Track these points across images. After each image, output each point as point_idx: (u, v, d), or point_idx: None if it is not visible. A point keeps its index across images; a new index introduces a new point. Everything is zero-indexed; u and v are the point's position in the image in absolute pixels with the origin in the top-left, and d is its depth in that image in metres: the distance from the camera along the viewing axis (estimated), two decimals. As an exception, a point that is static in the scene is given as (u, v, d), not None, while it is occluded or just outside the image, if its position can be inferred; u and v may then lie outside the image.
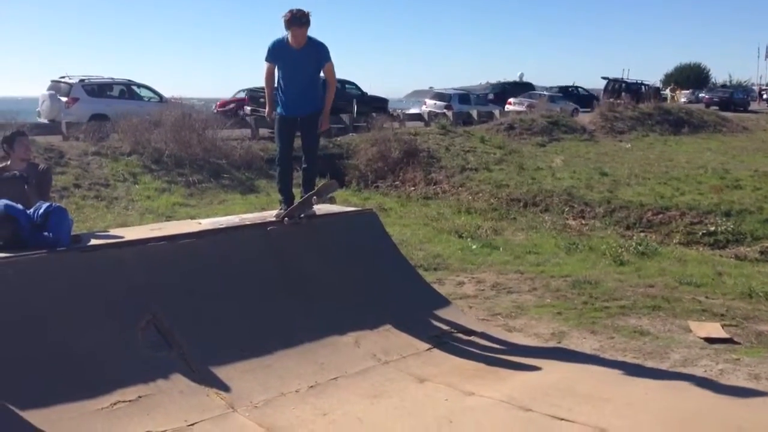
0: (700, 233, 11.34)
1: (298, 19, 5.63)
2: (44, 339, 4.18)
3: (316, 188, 6.05)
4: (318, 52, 5.86)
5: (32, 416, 3.76)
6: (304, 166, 6.18)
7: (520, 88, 35.52)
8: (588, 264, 8.63)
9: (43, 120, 17.40)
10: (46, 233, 4.71)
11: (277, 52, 5.88)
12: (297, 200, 6.10)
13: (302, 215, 5.96)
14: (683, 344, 5.58)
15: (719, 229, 11.29)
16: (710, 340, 5.64)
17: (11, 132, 5.59)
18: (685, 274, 7.95)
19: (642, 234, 11.48)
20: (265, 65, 6.00)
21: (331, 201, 6.15)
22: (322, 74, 6.05)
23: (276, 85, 6.05)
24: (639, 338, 5.75)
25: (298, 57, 5.81)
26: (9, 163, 5.39)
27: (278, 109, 6.06)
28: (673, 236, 11.40)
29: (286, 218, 5.91)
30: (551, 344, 5.63)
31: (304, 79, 5.92)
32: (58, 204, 5.12)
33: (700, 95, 43.47)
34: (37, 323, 4.21)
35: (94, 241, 5.02)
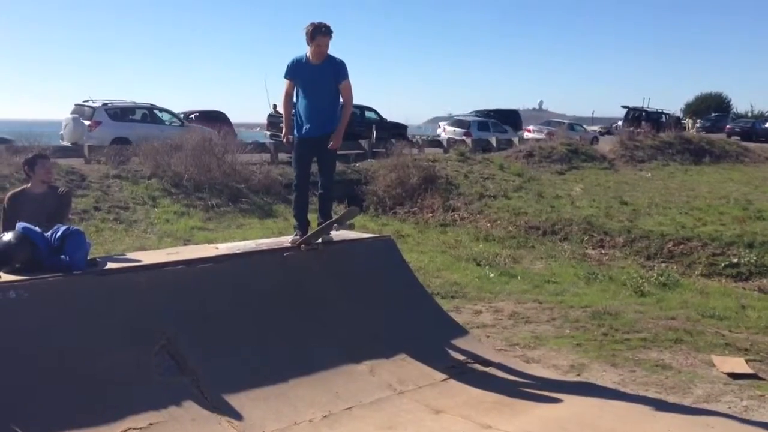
0: (723, 264, 11.14)
1: (320, 29, 5.60)
2: (57, 363, 4.16)
3: (333, 215, 6.01)
4: (336, 69, 5.80)
5: (43, 441, 3.73)
6: (320, 191, 6.12)
7: (503, 115, 33.85)
8: (608, 294, 8.50)
9: (66, 143, 17.63)
10: (63, 256, 4.72)
11: (296, 69, 5.83)
12: (312, 226, 6.06)
13: (318, 241, 5.92)
14: (706, 379, 5.44)
15: (742, 260, 11.09)
16: (734, 376, 5.50)
17: (33, 154, 5.61)
18: (708, 307, 7.80)
19: (663, 265, 11.31)
20: (284, 83, 5.94)
21: (350, 227, 6.10)
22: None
23: (293, 106, 5.98)
24: (661, 372, 5.62)
25: (317, 72, 5.75)
26: (30, 185, 5.42)
27: (295, 132, 5.99)
28: (694, 267, 11.22)
29: (302, 245, 5.87)
30: (570, 377, 5.52)
31: (323, 97, 5.86)
32: (76, 227, 5.14)
33: (712, 122, 43.43)
34: (50, 347, 4.20)
35: (110, 265, 5.02)
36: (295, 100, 5.96)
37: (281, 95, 6.07)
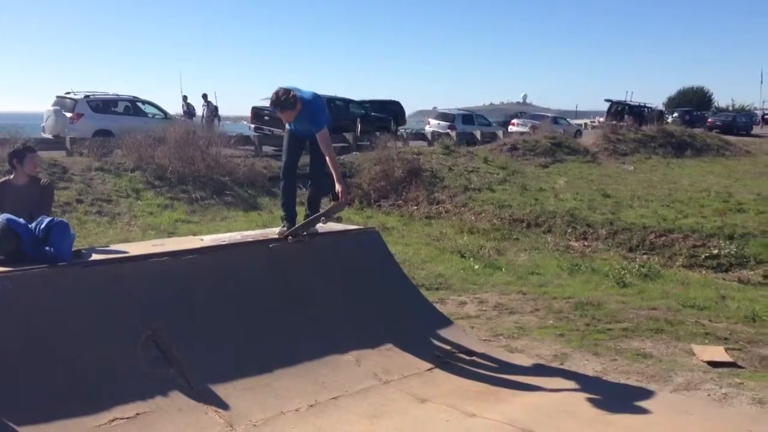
0: (703, 256, 11.28)
1: (280, 104, 5.59)
2: (43, 354, 4.15)
3: (321, 209, 6.01)
4: (309, 119, 5.71)
5: (29, 432, 3.73)
6: (310, 185, 6.16)
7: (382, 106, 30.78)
8: (591, 286, 8.59)
9: (48, 135, 17.43)
10: (47, 248, 4.69)
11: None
12: (300, 218, 6.07)
13: (305, 233, 5.94)
14: (686, 368, 5.53)
15: (722, 252, 11.24)
16: (713, 364, 5.59)
17: (22, 147, 5.56)
18: (688, 297, 7.91)
19: (645, 256, 11.44)
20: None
21: (338, 220, 6.11)
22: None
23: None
24: (642, 361, 5.70)
25: (297, 124, 5.84)
26: (12, 177, 5.39)
27: (287, 125, 6.01)
28: (676, 259, 11.35)
29: (289, 236, 5.89)
30: (553, 366, 5.58)
31: (308, 129, 5.82)
32: (60, 218, 5.11)
33: (692, 114, 43.86)
34: (36, 338, 4.19)
35: (95, 256, 5.00)
36: None
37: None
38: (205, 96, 24.89)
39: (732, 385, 5.11)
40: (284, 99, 5.58)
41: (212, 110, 24.80)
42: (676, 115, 43.59)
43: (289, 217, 6.07)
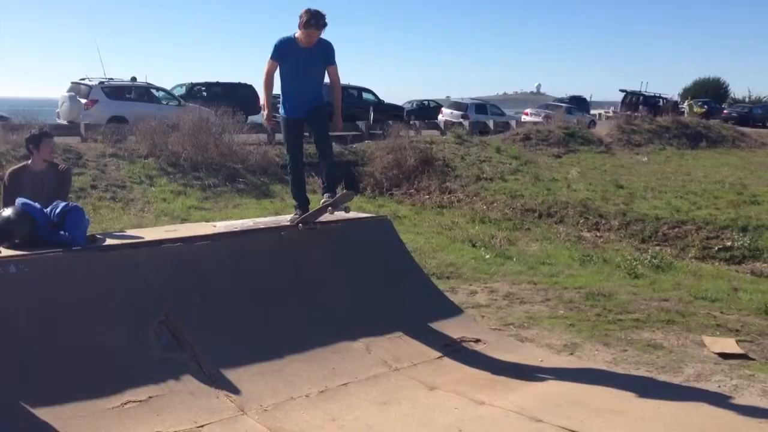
0: (716, 248, 11.23)
1: (316, 21, 5.45)
2: (58, 337, 4.22)
3: (338, 190, 5.98)
4: (325, 52, 5.69)
5: (44, 414, 3.79)
6: (323, 163, 5.99)
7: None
8: (602, 276, 8.57)
9: (63, 121, 17.58)
10: (62, 232, 4.76)
11: (284, 50, 5.64)
12: (313, 204, 6.08)
13: (316, 221, 5.96)
14: (697, 359, 5.52)
15: (735, 244, 11.18)
16: (724, 356, 5.58)
17: (39, 132, 5.60)
18: (701, 289, 7.88)
19: (657, 247, 11.40)
20: (267, 63, 5.73)
21: (346, 210, 6.12)
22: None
23: (280, 88, 5.85)
24: (652, 352, 5.70)
25: (306, 56, 5.61)
26: (30, 162, 5.45)
27: (281, 111, 5.95)
28: (688, 250, 11.30)
29: (300, 224, 5.91)
30: (564, 355, 5.59)
31: (310, 79, 5.75)
32: (75, 203, 5.16)
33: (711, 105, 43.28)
34: (51, 321, 4.25)
35: (109, 241, 5.06)
36: (281, 83, 5.81)
37: (262, 74, 5.80)
38: (133, 80, 20.87)
39: (743, 377, 5.10)
40: (318, 15, 5.44)
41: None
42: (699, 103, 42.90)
43: (302, 204, 6.08)
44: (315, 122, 5.92)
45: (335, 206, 5.85)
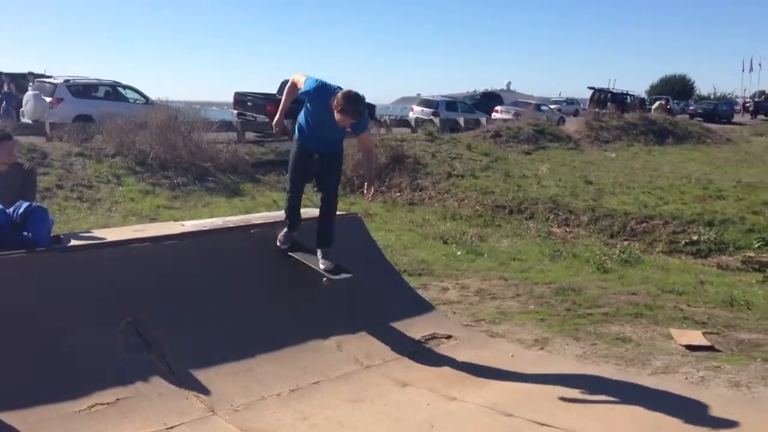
0: (683, 242, 11.39)
1: (353, 109, 4.98)
2: (21, 340, 4.12)
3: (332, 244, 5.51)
4: (356, 126, 5.18)
5: (9, 418, 3.71)
6: (324, 214, 5.55)
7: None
8: (572, 271, 8.66)
9: (27, 120, 17.24)
10: (25, 233, 4.65)
11: (318, 98, 5.16)
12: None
13: (334, 277, 5.41)
14: (665, 351, 5.60)
15: (702, 238, 11.36)
16: (691, 348, 5.67)
17: None
18: (668, 283, 7.99)
19: (625, 242, 11.53)
20: (297, 78, 5.33)
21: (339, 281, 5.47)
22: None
23: (301, 115, 5.40)
24: (621, 345, 5.76)
25: (336, 121, 5.11)
26: (-9, 164, 5.30)
27: (297, 135, 5.46)
28: (656, 245, 11.45)
29: (325, 279, 5.38)
30: (534, 350, 5.63)
31: (335, 134, 5.35)
32: (38, 203, 5.05)
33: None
34: (14, 324, 4.15)
35: (74, 242, 4.97)
36: (305, 112, 5.35)
37: (289, 82, 5.45)
38: (31, 75, 20.45)
39: (709, 369, 5.18)
40: (362, 103, 5.06)
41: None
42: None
43: (293, 225, 5.64)
44: (329, 165, 5.42)
45: (330, 279, 5.39)
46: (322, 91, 5.15)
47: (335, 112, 5.01)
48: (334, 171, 5.54)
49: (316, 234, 5.56)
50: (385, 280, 6.26)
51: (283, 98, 5.60)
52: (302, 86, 5.25)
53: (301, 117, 5.42)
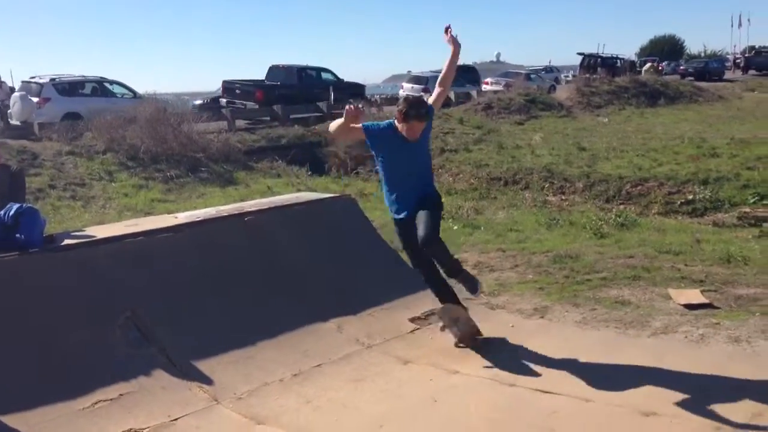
0: (679, 202, 11.44)
1: (417, 111, 4.56)
2: (20, 342, 4.13)
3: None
4: (427, 129, 4.77)
5: (12, 420, 3.72)
6: (423, 247, 4.71)
7: None
8: (569, 238, 8.66)
9: (15, 122, 17.14)
10: (17, 235, 4.64)
11: (381, 141, 4.74)
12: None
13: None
14: (664, 312, 5.61)
15: (697, 197, 11.40)
16: (690, 307, 5.68)
17: None
18: (665, 243, 8.00)
19: (621, 206, 11.56)
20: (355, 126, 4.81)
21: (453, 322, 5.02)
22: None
23: (380, 177, 5.03)
24: (620, 308, 5.78)
25: (411, 148, 4.70)
26: (-21, 168, 5.28)
27: (393, 214, 5.03)
28: (652, 207, 11.50)
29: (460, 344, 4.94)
30: (534, 319, 5.65)
31: (420, 167, 4.86)
32: (29, 205, 5.04)
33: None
34: (12, 326, 4.15)
35: (68, 241, 4.96)
36: (380, 169, 4.96)
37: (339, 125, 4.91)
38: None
39: (708, 326, 5.20)
40: (417, 104, 4.62)
41: (6, 92, 20.64)
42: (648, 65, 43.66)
43: (447, 296, 5.05)
44: (422, 218, 4.70)
45: (445, 315, 4.99)
46: (380, 129, 4.80)
47: (404, 129, 4.59)
48: (428, 207, 4.74)
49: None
50: (383, 259, 6.26)
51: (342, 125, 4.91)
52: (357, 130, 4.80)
53: (382, 180, 4.99)
